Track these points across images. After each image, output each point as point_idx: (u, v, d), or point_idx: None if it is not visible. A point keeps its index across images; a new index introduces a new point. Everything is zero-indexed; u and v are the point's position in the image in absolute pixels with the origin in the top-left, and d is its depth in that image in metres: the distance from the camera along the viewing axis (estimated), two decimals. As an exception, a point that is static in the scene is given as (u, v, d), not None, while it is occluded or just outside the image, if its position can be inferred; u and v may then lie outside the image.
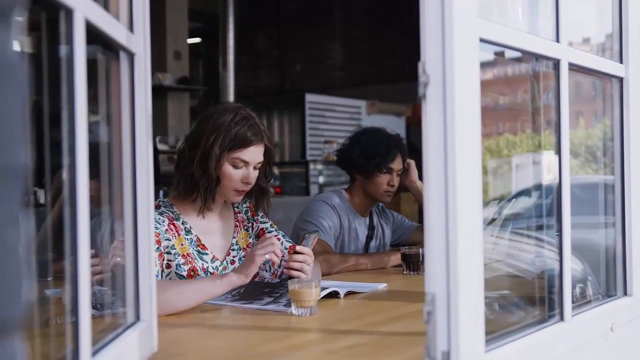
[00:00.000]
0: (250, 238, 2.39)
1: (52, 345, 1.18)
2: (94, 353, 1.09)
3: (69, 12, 0.99)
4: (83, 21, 1.02)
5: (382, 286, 2.34)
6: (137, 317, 1.37)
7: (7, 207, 0.50)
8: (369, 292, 2.24)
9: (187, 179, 2.20)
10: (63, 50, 1.02)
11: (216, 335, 1.71)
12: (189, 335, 1.71)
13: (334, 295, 2.10)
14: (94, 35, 1.11)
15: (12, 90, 0.50)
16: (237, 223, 2.38)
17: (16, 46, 0.52)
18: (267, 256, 1.98)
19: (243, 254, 2.34)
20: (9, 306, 0.51)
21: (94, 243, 1.06)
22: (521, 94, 2.09)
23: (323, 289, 2.02)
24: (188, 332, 1.74)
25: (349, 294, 2.17)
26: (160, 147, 6.93)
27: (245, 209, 2.42)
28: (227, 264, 2.29)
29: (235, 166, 2.19)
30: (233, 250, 2.33)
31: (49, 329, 1.19)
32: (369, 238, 3.12)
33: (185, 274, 2.16)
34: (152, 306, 1.39)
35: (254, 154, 2.21)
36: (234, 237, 2.34)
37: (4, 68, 0.49)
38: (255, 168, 2.23)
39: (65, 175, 1.01)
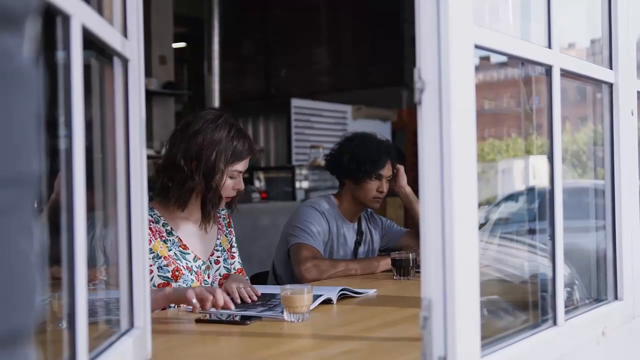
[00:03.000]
0: (228, 243, 2.47)
1: (46, 352, 1.17)
2: (90, 361, 1.08)
3: (66, 18, 0.99)
4: (80, 27, 1.02)
5: (372, 292, 2.34)
6: (131, 324, 1.36)
7: (21, 216, 0.50)
8: (359, 298, 2.24)
9: (187, 193, 2.25)
10: (59, 55, 1.01)
11: (209, 343, 1.70)
12: (183, 342, 1.70)
13: (326, 301, 2.10)
14: (89, 41, 1.10)
15: (24, 98, 0.49)
16: (220, 226, 2.45)
17: (29, 53, 0.51)
18: (194, 301, 1.89)
19: (226, 255, 2.42)
20: (23, 315, 0.51)
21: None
22: (506, 98, 2.11)
23: (316, 296, 2.02)
24: (181, 339, 1.73)
25: (342, 297, 2.17)
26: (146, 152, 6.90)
27: (223, 216, 2.49)
28: (210, 263, 2.35)
29: (231, 177, 2.28)
30: (217, 250, 2.40)
31: (44, 336, 1.18)
32: (358, 243, 3.12)
33: (170, 274, 2.21)
34: (146, 313, 1.39)
35: (247, 163, 2.32)
36: (217, 239, 2.41)
37: (18, 75, 0.49)
38: (243, 175, 2.34)
39: (62, 181, 1.00)
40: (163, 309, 2.11)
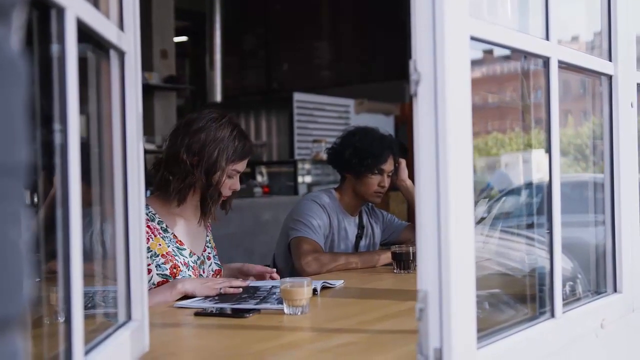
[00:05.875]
0: (213, 242, 2.52)
1: (42, 345, 1.17)
2: (87, 352, 1.09)
3: (61, 11, 0.99)
4: (74, 20, 1.01)
5: (339, 282, 2.36)
6: (129, 317, 1.36)
7: (10, 204, 0.50)
8: (360, 290, 2.26)
9: (187, 188, 2.27)
10: (54, 49, 1.01)
11: (207, 335, 1.71)
12: (181, 335, 1.71)
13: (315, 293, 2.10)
14: (84, 34, 1.10)
15: (13, 88, 0.49)
16: (208, 224, 2.48)
17: (16, 44, 0.51)
18: (222, 290, 2.12)
19: (215, 252, 2.47)
20: (11, 303, 0.51)
21: (83, 244, 1.06)
22: (509, 92, 2.10)
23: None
24: (179, 331, 1.74)
25: (323, 289, 2.20)
26: (147, 146, 6.90)
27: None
28: (204, 258, 2.40)
29: (229, 176, 2.31)
30: (208, 247, 2.44)
31: (40, 329, 1.18)
32: (359, 237, 3.12)
33: (168, 272, 2.22)
34: (143, 306, 1.39)
35: (245, 164, 2.36)
36: (207, 236, 2.46)
37: (5, 66, 0.49)
38: (241, 175, 2.37)
39: (57, 176, 1.00)
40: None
